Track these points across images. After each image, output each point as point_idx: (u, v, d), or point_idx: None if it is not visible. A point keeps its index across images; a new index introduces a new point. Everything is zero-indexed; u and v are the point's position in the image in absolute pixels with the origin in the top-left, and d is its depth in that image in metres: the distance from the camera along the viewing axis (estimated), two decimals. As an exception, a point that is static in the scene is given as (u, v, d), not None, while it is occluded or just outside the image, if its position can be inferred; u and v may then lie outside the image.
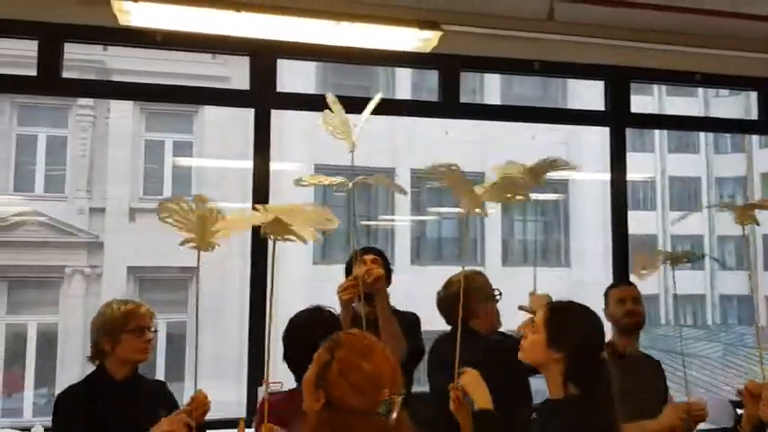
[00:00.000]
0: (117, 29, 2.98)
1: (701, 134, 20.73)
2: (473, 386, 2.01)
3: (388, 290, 2.68)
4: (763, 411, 2.03)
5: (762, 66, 4.02)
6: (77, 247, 11.22)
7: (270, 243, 1.96)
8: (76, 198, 11.33)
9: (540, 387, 2.11)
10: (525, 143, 12.44)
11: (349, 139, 2.27)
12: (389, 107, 3.97)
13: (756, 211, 2.58)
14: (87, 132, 11.41)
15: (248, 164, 3.46)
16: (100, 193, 11.38)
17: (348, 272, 2.80)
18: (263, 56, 3.46)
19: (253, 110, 3.46)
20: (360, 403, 1.33)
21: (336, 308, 2.47)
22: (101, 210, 11.32)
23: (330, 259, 10.82)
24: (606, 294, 2.88)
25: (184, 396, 2.27)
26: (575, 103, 12.55)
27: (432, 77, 3.79)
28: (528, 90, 13.63)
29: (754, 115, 4.48)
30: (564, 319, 1.88)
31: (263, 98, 3.48)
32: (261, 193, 3.35)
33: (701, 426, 2.57)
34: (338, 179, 2.32)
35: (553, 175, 2.27)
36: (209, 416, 2.24)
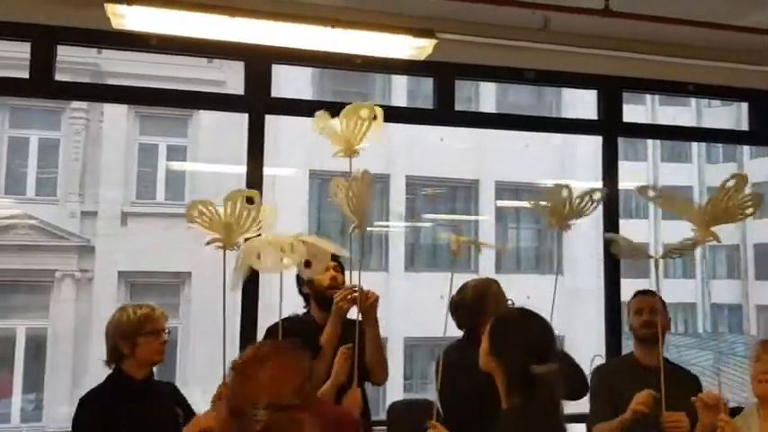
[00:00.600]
0: (111, 32, 2.97)
1: (694, 144, 20.87)
2: None
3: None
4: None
5: (753, 77, 4.04)
6: (68, 251, 11.15)
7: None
8: (68, 201, 11.26)
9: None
10: (520, 151, 12.50)
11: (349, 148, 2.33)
12: (385, 114, 3.96)
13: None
14: (80, 135, 11.36)
15: (243, 169, 3.45)
16: (92, 196, 11.32)
17: (302, 279, 2.77)
18: (258, 61, 3.46)
19: (247, 115, 3.48)
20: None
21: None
22: (93, 213, 11.26)
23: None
24: (628, 305, 2.83)
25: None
26: (569, 112, 12.61)
27: (427, 85, 3.80)
28: (523, 98, 13.68)
29: (745, 126, 4.51)
30: (503, 328, 1.86)
31: (257, 103, 3.48)
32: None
33: None
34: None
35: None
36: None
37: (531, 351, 1.77)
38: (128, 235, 11.10)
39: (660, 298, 2.74)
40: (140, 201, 11.44)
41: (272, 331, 2.58)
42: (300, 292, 2.84)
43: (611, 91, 4.00)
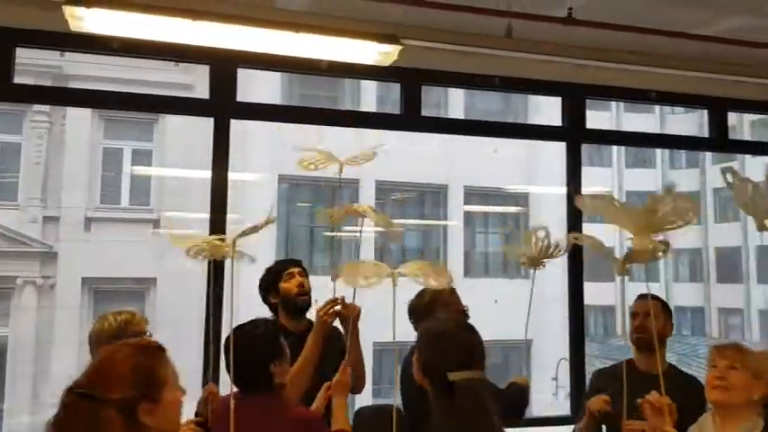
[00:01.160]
0: (72, 34, 2.90)
1: (658, 150, 21.31)
2: None
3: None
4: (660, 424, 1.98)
5: (712, 85, 4.14)
6: (30, 257, 10.89)
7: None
8: (30, 206, 11.01)
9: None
10: (488, 156, 12.59)
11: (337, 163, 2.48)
12: (352, 119, 3.97)
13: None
14: (43, 139, 11.11)
15: (209, 174, 3.41)
16: (55, 201, 11.09)
17: (271, 286, 2.75)
18: (223, 65, 3.44)
19: (212, 119, 3.44)
20: None
21: None
22: (55, 219, 11.02)
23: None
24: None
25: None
26: (536, 119, 12.75)
27: (397, 90, 3.81)
28: (492, 104, 13.79)
29: (706, 132, 4.61)
30: (424, 340, 1.89)
31: (222, 107, 3.45)
32: (218, 204, 3.31)
33: None
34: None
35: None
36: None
37: (451, 360, 1.77)
38: (91, 241, 10.90)
39: (662, 302, 2.72)
40: (104, 206, 11.24)
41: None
42: (265, 300, 2.81)
43: (575, 98, 4.06)
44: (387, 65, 3.15)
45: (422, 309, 2.60)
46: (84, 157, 11.14)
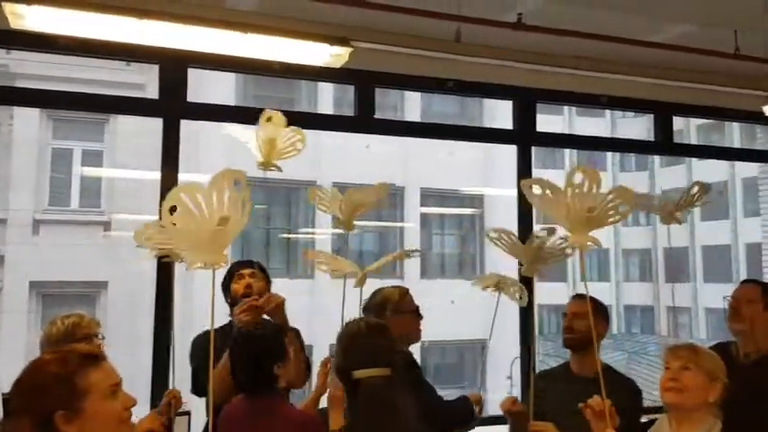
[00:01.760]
0: (15, 32, 2.82)
1: (609, 153, 21.80)
2: None
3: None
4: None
5: (659, 91, 4.26)
6: (-25, 261, 10.54)
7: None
8: (-26, 208, 10.66)
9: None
10: (444, 158, 12.69)
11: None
12: (307, 121, 3.94)
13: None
14: (-12, 139, 10.78)
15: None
16: (2, 203, 10.78)
17: (226, 288, 2.75)
18: (173, 65, 3.38)
19: (161, 120, 3.38)
20: None
21: None
22: (2, 221, 10.71)
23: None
24: None
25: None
26: (492, 122, 12.91)
27: (353, 92, 3.82)
28: (448, 107, 13.90)
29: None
30: (338, 342, 1.97)
31: (171, 108, 3.40)
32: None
33: None
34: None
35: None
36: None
37: (354, 360, 1.87)
38: (39, 243, 10.61)
39: (596, 302, 2.52)
40: (53, 208, 10.95)
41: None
42: (226, 300, 2.80)
43: (526, 102, 4.13)
44: (338, 67, 3.15)
45: (373, 309, 2.62)
46: (33, 157, 10.86)
